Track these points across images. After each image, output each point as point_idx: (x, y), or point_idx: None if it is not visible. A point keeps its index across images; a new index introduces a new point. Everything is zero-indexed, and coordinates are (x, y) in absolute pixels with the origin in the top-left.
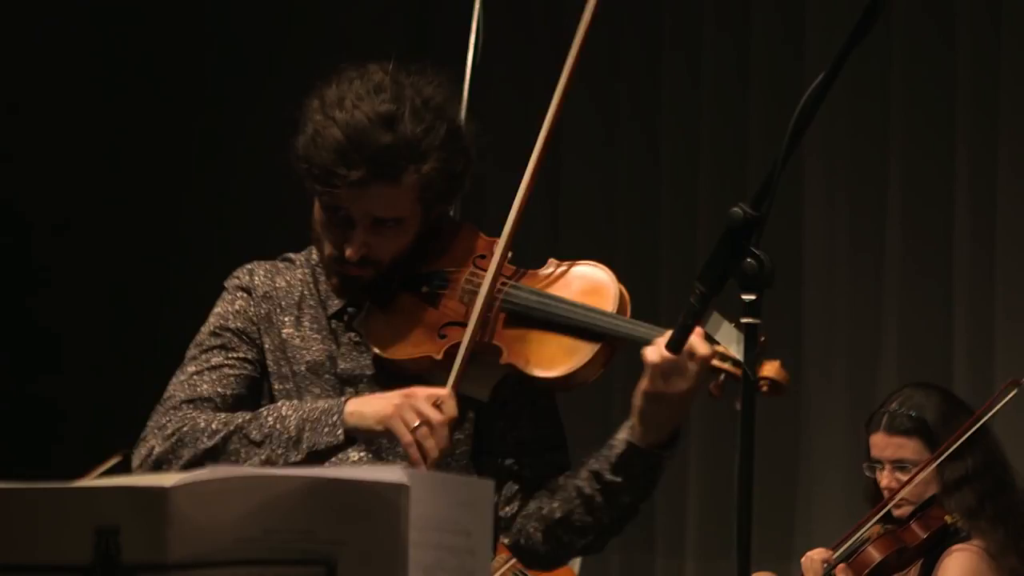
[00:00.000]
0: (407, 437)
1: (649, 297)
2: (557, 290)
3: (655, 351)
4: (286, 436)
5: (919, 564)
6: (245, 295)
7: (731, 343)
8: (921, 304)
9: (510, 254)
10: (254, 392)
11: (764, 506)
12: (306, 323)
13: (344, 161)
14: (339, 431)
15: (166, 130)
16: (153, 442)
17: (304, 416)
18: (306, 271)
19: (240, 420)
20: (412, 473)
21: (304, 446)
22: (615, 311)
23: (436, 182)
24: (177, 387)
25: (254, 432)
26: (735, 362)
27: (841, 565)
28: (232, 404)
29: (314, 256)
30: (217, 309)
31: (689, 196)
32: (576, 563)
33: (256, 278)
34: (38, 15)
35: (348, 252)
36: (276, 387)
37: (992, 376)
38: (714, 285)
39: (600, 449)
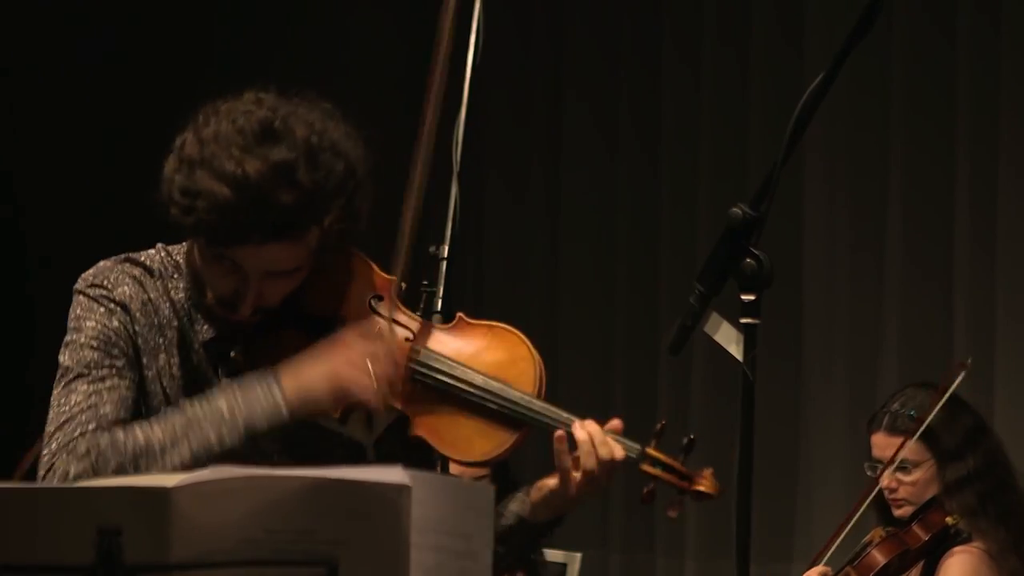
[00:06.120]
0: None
1: (649, 297)
2: (471, 359)
3: (565, 452)
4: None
5: (920, 566)
6: (121, 311)
7: (730, 344)
8: (921, 304)
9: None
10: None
11: (764, 506)
12: (172, 360)
13: (239, 224)
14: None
15: (162, 131)
16: (68, 467)
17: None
18: (169, 287)
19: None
20: (414, 474)
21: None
22: (534, 392)
23: (338, 230)
24: (75, 408)
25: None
26: (666, 467)
27: (846, 568)
28: None
29: (171, 259)
30: (90, 322)
31: (689, 196)
32: (576, 562)
33: (127, 288)
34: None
35: (242, 309)
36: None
37: (992, 376)
38: (713, 285)
39: None
